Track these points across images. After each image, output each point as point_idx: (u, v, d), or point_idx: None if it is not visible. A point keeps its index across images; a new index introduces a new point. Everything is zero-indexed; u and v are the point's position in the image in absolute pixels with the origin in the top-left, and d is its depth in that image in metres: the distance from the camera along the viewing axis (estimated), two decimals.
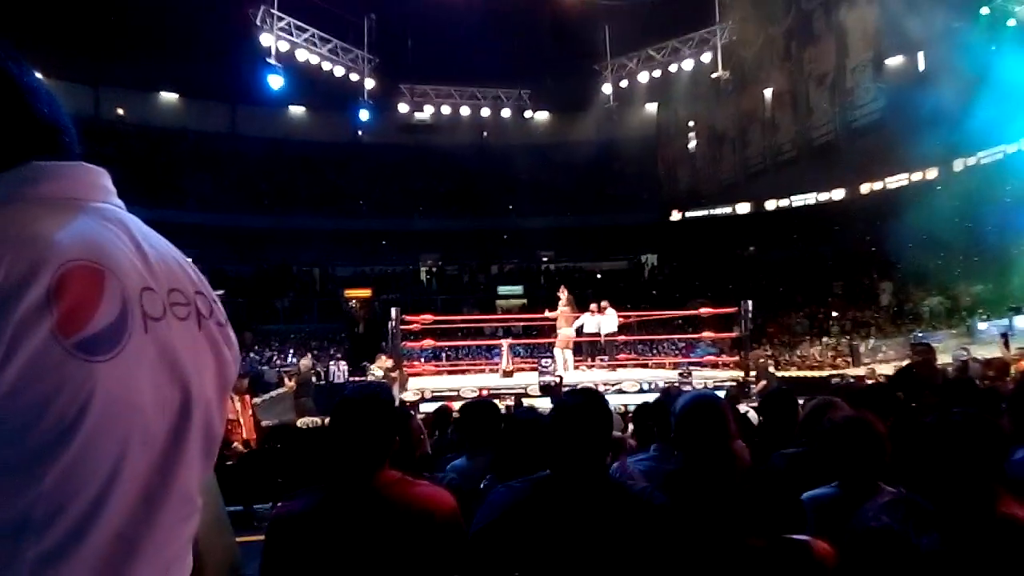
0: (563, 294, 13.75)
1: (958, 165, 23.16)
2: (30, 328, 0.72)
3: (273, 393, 10.87)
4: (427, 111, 32.03)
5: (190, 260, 0.95)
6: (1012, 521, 1.85)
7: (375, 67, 27.18)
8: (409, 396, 10.85)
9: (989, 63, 20.01)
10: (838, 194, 27.19)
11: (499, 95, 32.09)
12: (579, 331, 13.86)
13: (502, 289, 30.81)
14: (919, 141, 20.49)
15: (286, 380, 12.78)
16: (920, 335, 18.66)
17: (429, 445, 5.31)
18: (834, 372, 16.10)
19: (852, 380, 9.08)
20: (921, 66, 23.85)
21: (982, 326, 16.39)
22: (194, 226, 27.46)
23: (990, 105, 19.44)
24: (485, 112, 32.35)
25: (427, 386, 12.15)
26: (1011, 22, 19.90)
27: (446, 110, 32.07)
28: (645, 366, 15.65)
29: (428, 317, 13.94)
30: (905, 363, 7.15)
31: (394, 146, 32.50)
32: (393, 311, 12.40)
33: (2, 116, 0.84)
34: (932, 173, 23.82)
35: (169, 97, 32.34)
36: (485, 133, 33.06)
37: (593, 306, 14.02)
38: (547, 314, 14.05)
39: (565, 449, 2.11)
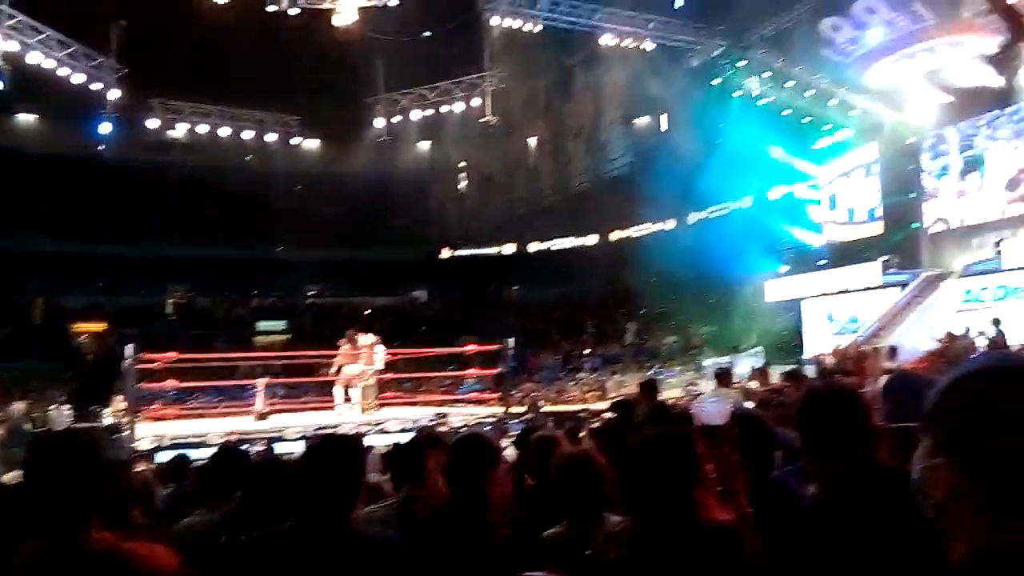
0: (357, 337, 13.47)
1: (692, 217, 26.13)
2: None
3: None
4: (181, 129, 29.90)
5: None
6: (711, 525, 2.06)
7: (122, 77, 24.93)
8: (145, 444, 9.76)
9: (719, 129, 22.97)
10: (592, 239, 29.43)
11: (263, 118, 30.87)
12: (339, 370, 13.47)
13: (263, 324, 29.11)
14: (660, 194, 22.89)
15: None
16: (659, 370, 20.62)
17: (160, 500, 4.80)
18: (584, 406, 17.18)
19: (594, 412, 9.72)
20: (664, 127, 26.76)
21: (707, 363, 18.46)
22: None
23: (719, 166, 22.33)
24: (248, 135, 30.89)
25: (167, 432, 11.02)
26: (737, 93, 22.94)
27: (203, 129, 30.15)
28: (414, 404, 15.58)
29: (172, 354, 12.77)
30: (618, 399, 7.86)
31: (143, 164, 29.48)
32: (128, 347, 11.17)
33: None
34: (670, 224, 26.62)
35: None
36: (248, 157, 31.43)
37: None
38: (337, 354, 13.53)
39: (308, 498, 2.03)
